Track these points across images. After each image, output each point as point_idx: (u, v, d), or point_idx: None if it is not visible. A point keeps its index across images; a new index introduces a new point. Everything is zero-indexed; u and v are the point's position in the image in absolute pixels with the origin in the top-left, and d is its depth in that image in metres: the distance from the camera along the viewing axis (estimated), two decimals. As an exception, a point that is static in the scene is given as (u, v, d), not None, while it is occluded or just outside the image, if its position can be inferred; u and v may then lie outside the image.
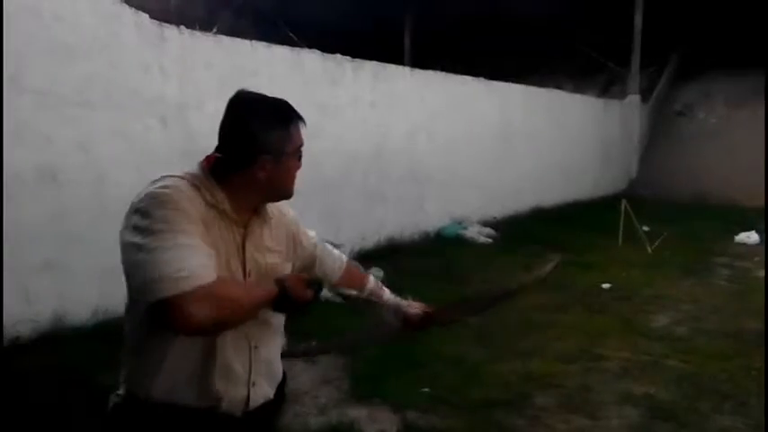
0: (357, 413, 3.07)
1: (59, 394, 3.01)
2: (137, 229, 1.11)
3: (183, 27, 4.77)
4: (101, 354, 3.44)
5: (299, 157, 1.30)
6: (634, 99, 13.35)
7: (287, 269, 1.37)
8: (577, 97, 11.71)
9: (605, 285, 5.72)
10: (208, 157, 1.27)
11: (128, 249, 1.11)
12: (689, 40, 14.30)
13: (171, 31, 4.68)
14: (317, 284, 1.22)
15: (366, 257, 5.69)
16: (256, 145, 1.23)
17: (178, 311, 1.02)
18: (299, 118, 1.30)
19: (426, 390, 3.34)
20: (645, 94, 13.84)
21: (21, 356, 3.48)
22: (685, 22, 13.87)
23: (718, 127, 13.71)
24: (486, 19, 14.49)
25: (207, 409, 1.23)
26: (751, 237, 8.26)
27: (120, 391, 1.28)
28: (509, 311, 4.85)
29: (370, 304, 1.61)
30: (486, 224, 8.17)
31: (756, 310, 5.05)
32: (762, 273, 6.55)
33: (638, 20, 13.43)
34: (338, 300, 4.73)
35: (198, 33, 5.00)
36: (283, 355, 1.40)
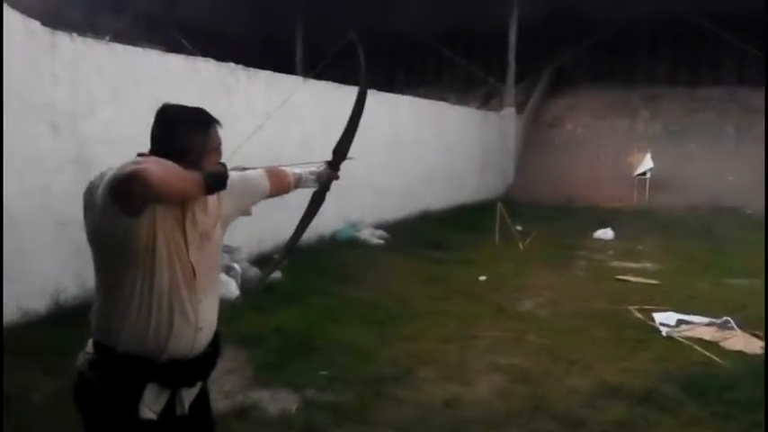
0: (260, 395, 3.37)
1: None
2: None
3: (74, 35, 4.78)
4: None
5: (220, 153, 1.66)
6: (510, 111, 14.60)
7: (218, 229, 1.70)
8: (459, 108, 12.63)
9: (482, 278, 6.41)
10: (141, 156, 1.56)
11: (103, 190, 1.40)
12: (558, 58, 15.92)
13: (62, 37, 4.67)
14: (222, 165, 1.61)
15: (264, 260, 5.96)
16: (184, 147, 1.56)
17: (139, 173, 1.31)
18: (216, 122, 1.66)
19: (324, 372, 3.71)
20: (521, 107, 15.19)
21: None
22: (555, 42, 15.47)
23: (583, 137, 15.39)
24: (376, 32, 15.15)
25: (163, 358, 1.53)
26: (606, 233, 9.47)
27: (89, 349, 1.55)
28: (397, 303, 5.36)
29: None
30: (378, 227, 8.68)
31: (604, 293, 5.95)
32: (613, 263, 7.64)
33: (512, 37, 14.75)
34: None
35: (90, 40, 5.01)
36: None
